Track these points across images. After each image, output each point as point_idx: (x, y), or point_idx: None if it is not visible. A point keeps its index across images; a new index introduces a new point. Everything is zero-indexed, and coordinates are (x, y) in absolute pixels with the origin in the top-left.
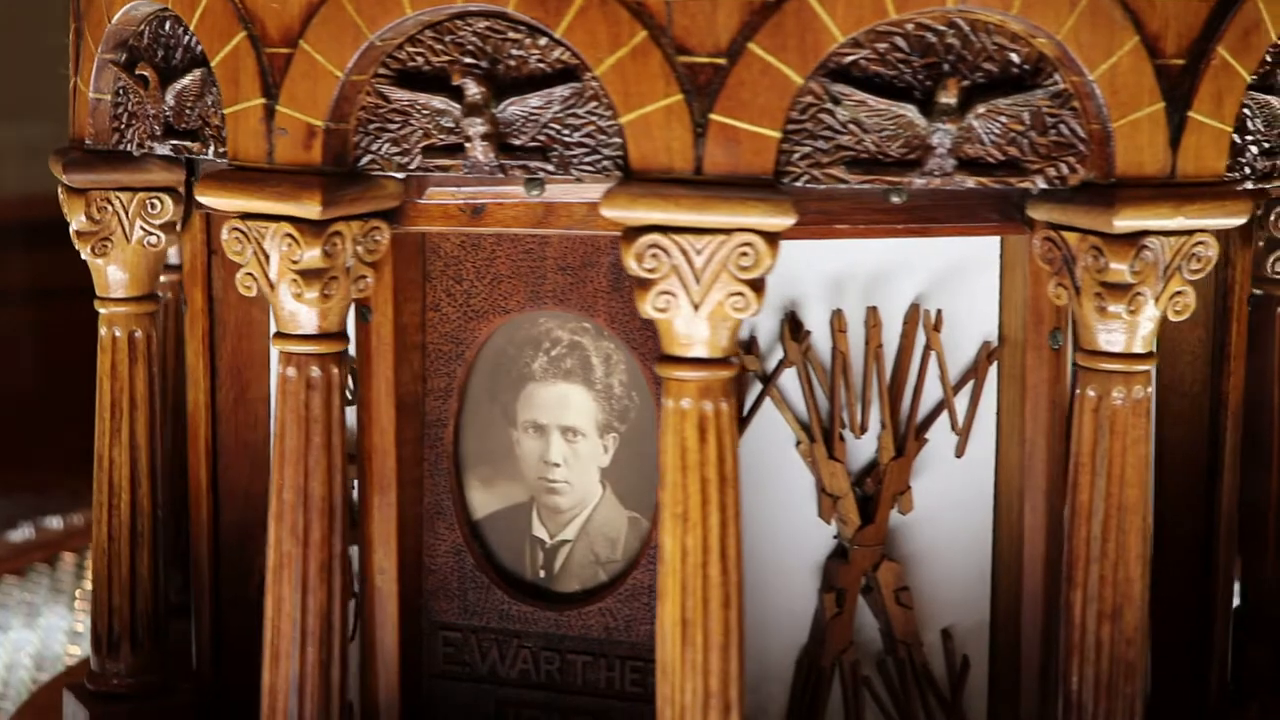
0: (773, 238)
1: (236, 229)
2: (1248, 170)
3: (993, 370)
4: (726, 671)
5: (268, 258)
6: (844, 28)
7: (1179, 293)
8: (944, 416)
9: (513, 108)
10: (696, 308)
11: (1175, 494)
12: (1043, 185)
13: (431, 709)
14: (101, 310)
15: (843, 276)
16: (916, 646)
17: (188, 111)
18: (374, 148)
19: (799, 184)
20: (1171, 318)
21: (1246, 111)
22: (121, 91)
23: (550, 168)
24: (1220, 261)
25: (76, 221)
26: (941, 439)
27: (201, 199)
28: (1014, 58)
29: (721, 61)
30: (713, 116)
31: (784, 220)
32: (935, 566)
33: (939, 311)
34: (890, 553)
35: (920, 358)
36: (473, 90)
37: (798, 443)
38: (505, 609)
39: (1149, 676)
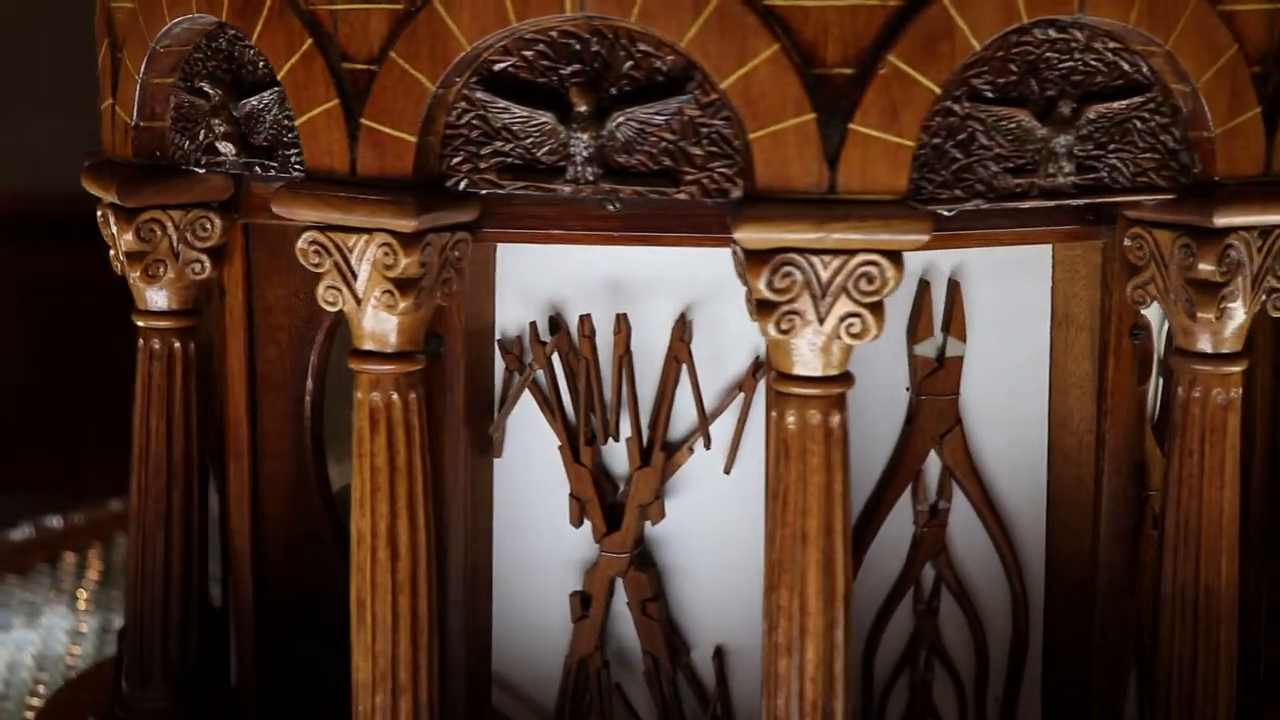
0: (407, 239)
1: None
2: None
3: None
4: (395, 654)
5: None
6: (470, 36)
7: (853, 314)
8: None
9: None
10: (361, 303)
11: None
12: (701, 198)
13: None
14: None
15: (616, 282)
16: (665, 659)
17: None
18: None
19: (461, 187)
20: (848, 339)
21: (975, 124)
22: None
23: None
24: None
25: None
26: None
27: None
28: (660, 66)
29: (374, 68)
30: (363, 121)
31: (407, 222)
32: (707, 582)
33: (689, 322)
34: (659, 563)
35: (665, 369)
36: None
37: (560, 445)
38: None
39: None
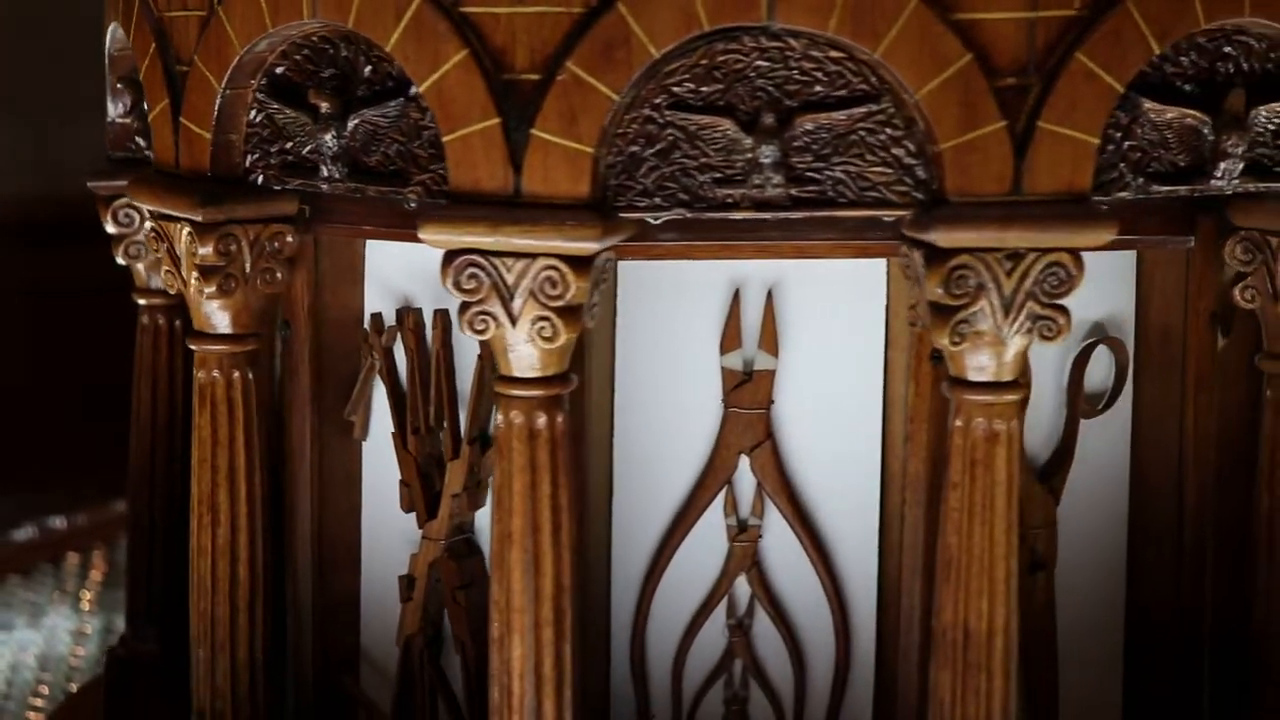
0: (202, 228)
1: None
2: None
3: None
4: (213, 613)
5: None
6: (241, 40)
7: (542, 318)
8: None
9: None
10: (186, 286)
11: None
12: (426, 198)
13: None
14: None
15: None
16: (470, 645)
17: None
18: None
19: (259, 182)
20: (542, 344)
21: (676, 133)
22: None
23: None
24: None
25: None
26: None
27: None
28: (390, 70)
29: (186, 69)
30: (180, 119)
31: (196, 214)
32: None
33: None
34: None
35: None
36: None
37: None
38: None
39: None
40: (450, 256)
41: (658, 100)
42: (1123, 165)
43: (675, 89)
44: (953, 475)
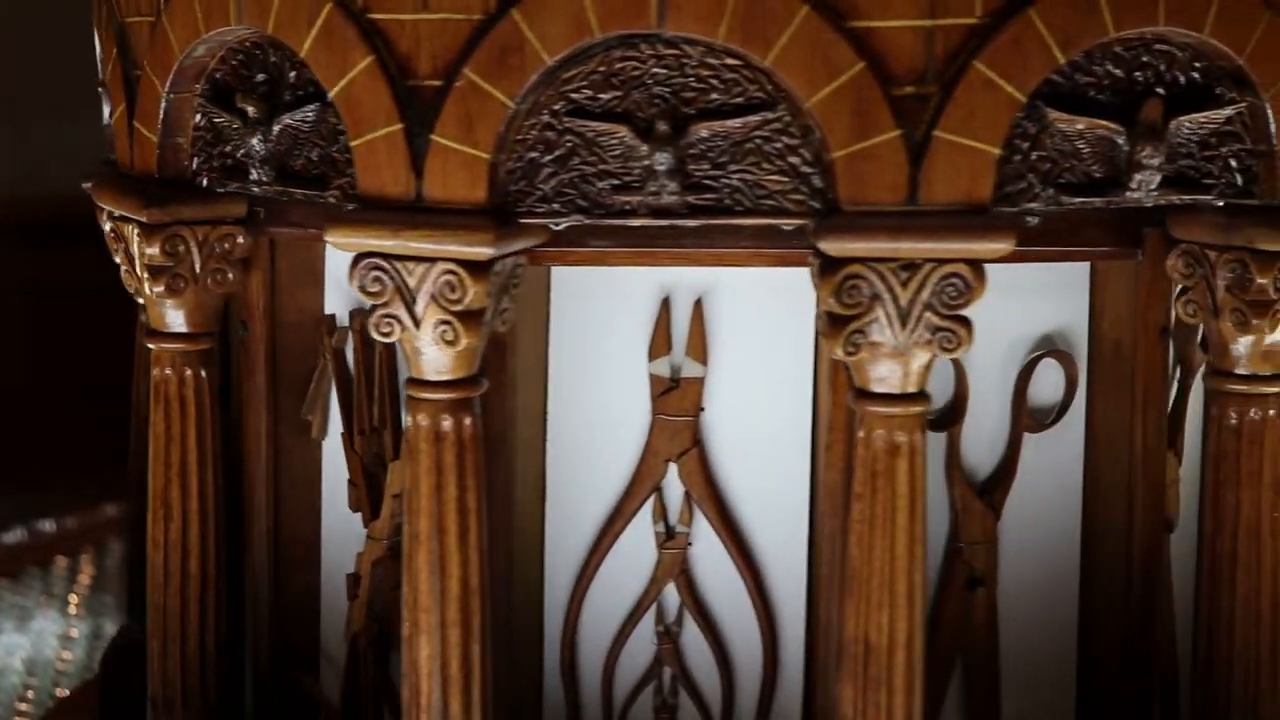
0: (147, 229)
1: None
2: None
3: None
4: (165, 606)
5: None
6: (180, 45)
7: (444, 322)
8: None
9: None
10: (141, 285)
11: None
12: (343, 201)
13: None
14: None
15: None
16: None
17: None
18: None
19: (204, 185)
20: (444, 347)
21: (574, 139)
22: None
23: None
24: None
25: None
26: None
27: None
28: (309, 75)
29: (139, 73)
30: (134, 123)
31: (140, 215)
32: None
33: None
34: None
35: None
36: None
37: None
38: None
39: None
40: (357, 260)
41: (556, 107)
42: (1031, 176)
43: (574, 95)
44: (856, 487)
